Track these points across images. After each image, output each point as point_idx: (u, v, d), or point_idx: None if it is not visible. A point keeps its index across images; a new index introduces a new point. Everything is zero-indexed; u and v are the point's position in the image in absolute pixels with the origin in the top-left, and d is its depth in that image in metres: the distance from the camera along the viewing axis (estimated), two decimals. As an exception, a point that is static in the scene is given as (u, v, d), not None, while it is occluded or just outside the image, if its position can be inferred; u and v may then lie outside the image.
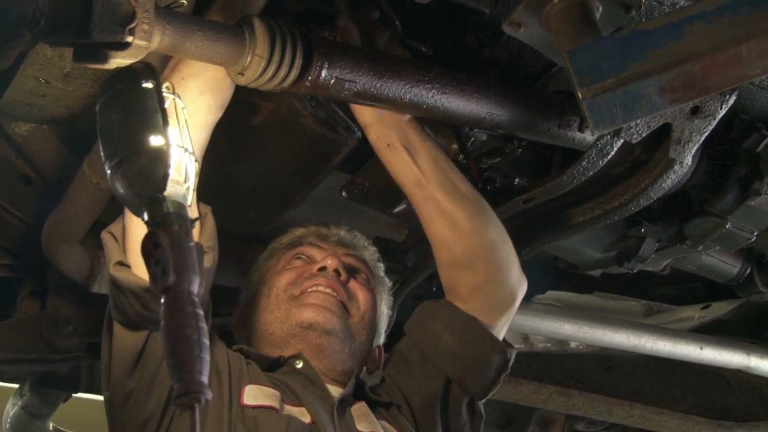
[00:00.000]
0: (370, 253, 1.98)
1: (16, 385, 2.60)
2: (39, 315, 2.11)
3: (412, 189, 1.73)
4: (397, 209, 2.01)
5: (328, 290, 1.80)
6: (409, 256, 2.22)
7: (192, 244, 1.08)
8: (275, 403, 1.58)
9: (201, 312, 1.05)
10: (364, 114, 1.68)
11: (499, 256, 1.74)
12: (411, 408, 1.75)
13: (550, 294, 2.68)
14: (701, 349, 2.84)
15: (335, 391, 1.73)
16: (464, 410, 1.76)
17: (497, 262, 1.74)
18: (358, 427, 1.65)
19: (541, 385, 3.07)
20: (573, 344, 3.04)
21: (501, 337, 1.79)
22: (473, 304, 1.74)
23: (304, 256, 1.90)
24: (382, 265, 2.01)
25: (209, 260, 1.62)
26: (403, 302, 2.14)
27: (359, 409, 1.71)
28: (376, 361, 1.91)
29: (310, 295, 1.79)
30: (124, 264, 1.53)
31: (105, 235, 1.58)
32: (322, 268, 1.83)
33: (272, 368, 1.73)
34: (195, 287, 1.05)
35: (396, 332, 1.97)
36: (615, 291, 2.84)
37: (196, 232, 1.65)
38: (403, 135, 1.67)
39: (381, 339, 1.96)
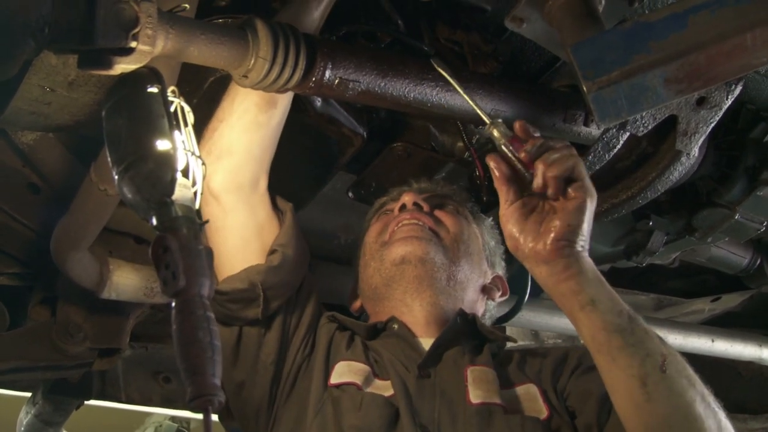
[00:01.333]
0: (458, 194, 1.94)
1: (29, 394, 2.61)
2: (49, 323, 2.11)
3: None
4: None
5: (413, 220, 1.78)
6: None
7: (201, 247, 1.08)
8: (359, 380, 1.57)
9: (212, 315, 1.06)
10: (526, 261, 1.47)
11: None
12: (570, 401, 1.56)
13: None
14: (713, 341, 2.83)
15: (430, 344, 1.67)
16: None
17: None
18: (471, 395, 1.51)
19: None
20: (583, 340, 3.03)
21: None
22: None
23: (388, 211, 1.89)
24: (476, 205, 1.96)
25: (276, 259, 1.69)
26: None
27: (483, 373, 1.57)
28: (499, 288, 1.88)
29: (396, 232, 1.79)
30: None
31: None
32: (402, 207, 1.83)
33: (374, 336, 1.74)
34: (205, 290, 1.06)
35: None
36: (624, 285, 2.83)
37: (274, 228, 1.73)
38: (565, 290, 1.41)
39: (498, 268, 1.93)
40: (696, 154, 1.82)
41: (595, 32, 1.34)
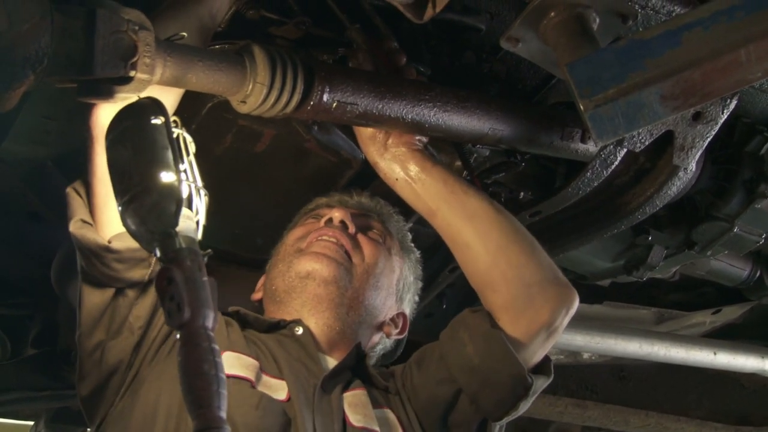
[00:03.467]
0: (395, 219, 1.93)
1: (32, 423, 2.60)
2: (51, 351, 2.11)
3: (426, 218, 1.71)
4: (408, 225, 2.01)
5: (332, 239, 1.76)
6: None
7: (205, 279, 1.08)
8: (251, 375, 1.54)
9: (217, 347, 1.05)
10: (370, 152, 1.68)
11: (519, 271, 1.64)
12: (415, 404, 1.69)
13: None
14: (715, 354, 2.82)
15: (332, 363, 1.69)
16: (473, 428, 1.68)
17: (520, 278, 1.64)
18: (350, 418, 1.59)
19: (555, 398, 3.06)
20: (586, 355, 3.03)
21: (537, 358, 1.68)
22: (504, 322, 1.65)
23: (317, 215, 1.87)
24: (409, 234, 1.96)
25: None
26: (413, 321, 2.12)
27: (357, 396, 1.65)
28: (398, 326, 1.87)
29: (312, 244, 1.77)
30: (86, 222, 1.49)
31: (69, 191, 1.54)
32: (329, 221, 1.81)
33: (270, 331, 1.71)
34: (210, 322, 1.05)
35: (408, 351, 1.95)
36: (625, 300, 2.83)
37: None
38: (407, 168, 1.65)
39: (405, 306, 1.91)
40: (693, 169, 1.83)
41: (591, 50, 1.35)
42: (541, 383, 1.68)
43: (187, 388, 1.00)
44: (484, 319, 1.68)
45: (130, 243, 1.44)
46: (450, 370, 1.67)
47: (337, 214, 1.80)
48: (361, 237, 1.81)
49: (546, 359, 1.72)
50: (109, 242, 1.47)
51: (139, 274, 1.52)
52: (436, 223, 1.69)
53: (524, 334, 1.64)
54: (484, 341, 1.65)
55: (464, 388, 1.66)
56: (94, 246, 1.47)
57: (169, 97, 1.39)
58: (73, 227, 1.49)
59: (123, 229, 1.39)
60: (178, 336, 1.03)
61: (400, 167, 1.65)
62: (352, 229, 1.80)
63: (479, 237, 1.65)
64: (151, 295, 1.56)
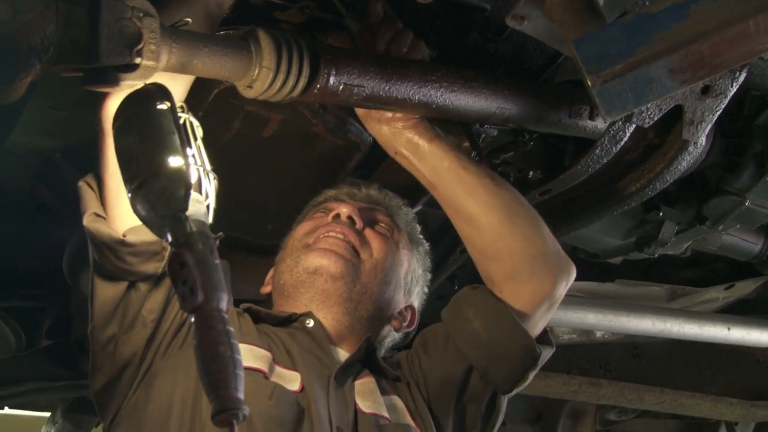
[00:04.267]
0: (403, 212, 1.94)
1: (48, 414, 2.63)
2: (65, 341, 2.12)
3: (429, 190, 1.73)
4: (417, 207, 2.01)
5: (339, 235, 1.78)
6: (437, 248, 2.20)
7: (217, 261, 1.08)
8: (264, 366, 1.56)
9: (231, 329, 1.05)
10: (370, 124, 1.68)
11: (523, 243, 1.67)
12: (427, 387, 1.72)
13: (572, 285, 2.67)
14: (728, 329, 2.82)
15: (343, 355, 1.71)
16: (484, 403, 1.72)
17: (524, 250, 1.67)
18: (360, 405, 1.62)
19: (569, 377, 3.06)
20: (599, 334, 3.03)
21: (539, 328, 1.73)
22: (507, 293, 1.69)
23: (326, 209, 1.88)
24: (418, 226, 1.97)
25: None
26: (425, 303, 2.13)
27: (365, 384, 1.67)
28: (406, 319, 1.88)
29: (320, 240, 1.78)
30: (100, 215, 1.49)
31: (82, 185, 1.53)
32: (336, 216, 1.82)
33: (282, 324, 1.73)
34: (224, 304, 1.05)
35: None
36: (637, 277, 2.83)
37: None
38: (407, 141, 1.65)
39: (414, 299, 1.92)
40: (703, 143, 1.82)
41: (597, 26, 1.34)
42: (546, 353, 1.73)
43: (203, 370, 1.01)
44: (486, 294, 1.71)
45: (145, 236, 1.46)
46: (459, 348, 1.70)
47: (344, 210, 1.81)
48: (368, 232, 1.82)
49: (545, 331, 1.76)
50: (124, 236, 1.47)
51: (153, 267, 1.52)
52: (437, 196, 1.71)
53: (528, 304, 1.68)
54: (491, 315, 1.68)
55: (474, 363, 1.69)
56: (108, 240, 1.47)
57: (179, 86, 1.40)
58: (87, 221, 1.49)
59: (135, 223, 1.43)
60: (192, 319, 1.04)
61: (398, 141, 1.66)
62: (359, 224, 1.81)
63: (482, 210, 1.67)
64: (164, 288, 1.57)
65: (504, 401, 1.74)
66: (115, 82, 1.17)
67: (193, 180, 1.12)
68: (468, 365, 1.70)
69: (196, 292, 1.03)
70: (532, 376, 1.72)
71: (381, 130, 1.66)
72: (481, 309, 1.70)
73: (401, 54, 1.56)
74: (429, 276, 1.99)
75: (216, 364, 1.00)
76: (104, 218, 1.49)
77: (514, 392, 1.73)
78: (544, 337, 1.76)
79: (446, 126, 1.81)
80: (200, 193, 1.16)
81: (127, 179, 1.13)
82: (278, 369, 1.58)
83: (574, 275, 1.73)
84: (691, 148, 1.81)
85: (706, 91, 1.67)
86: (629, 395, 3.19)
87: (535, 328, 1.72)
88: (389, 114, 1.63)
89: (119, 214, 1.48)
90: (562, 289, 1.71)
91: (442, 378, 1.71)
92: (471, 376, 1.70)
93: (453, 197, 1.69)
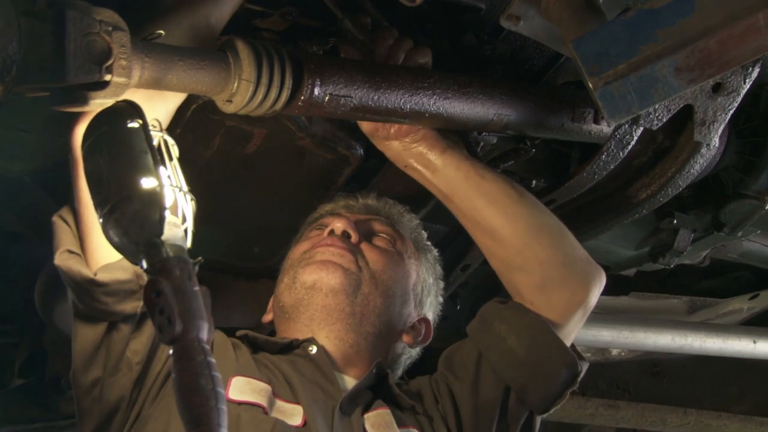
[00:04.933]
0: (406, 219, 1.95)
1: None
2: (40, 380, 2.12)
3: (444, 203, 1.73)
4: (420, 214, 2.01)
5: (332, 248, 1.78)
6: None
7: (197, 288, 1.09)
8: (263, 401, 1.55)
9: (213, 360, 1.05)
10: (378, 141, 1.69)
11: (552, 252, 1.69)
12: (460, 417, 1.71)
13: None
14: (755, 342, 2.82)
15: (350, 383, 1.71)
16: (519, 425, 1.72)
17: (553, 258, 1.69)
18: None
19: (585, 399, 3.06)
20: (614, 351, 3.04)
21: (572, 338, 1.75)
22: (539, 305, 1.70)
23: (322, 225, 1.89)
24: (423, 232, 1.98)
25: None
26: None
27: (380, 416, 1.65)
28: (420, 333, 1.87)
29: (316, 254, 1.78)
30: (73, 252, 1.49)
31: (55, 219, 1.53)
32: (331, 232, 1.82)
33: (283, 352, 1.72)
34: (204, 334, 1.05)
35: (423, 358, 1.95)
36: (653, 289, 2.83)
37: None
38: (418, 154, 1.67)
39: (427, 310, 1.92)
40: (717, 144, 1.83)
41: (597, 24, 1.35)
42: (585, 368, 1.73)
43: (183, 405, 1.01)
44: (518, 308, 1.72)
45: (119, 274, 1.47)
46: (494, 369, 1.70)
47: (339, 225, 1.82)
48: (365, 246, 1.83)
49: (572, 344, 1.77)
50: (95, 274, 1.46)
51: (131, 306, 1.52)
52: (453, 209, 1.73)
53: (561, 315, 1.69)
54: (526, 330, 1.69)
55: (511, 384, 1.69)
56: (79, 279, 1.46)
57: (167, 104, 1.41)
58: (59, 259, 1.48)
59: (114, 257, 1.45)
60: (170, 351, 1.04)
61: (408, 155, 1.67)
62: (355, 238, 1.82)
63: (505, 220, 1.69)
64: (148, 328, 1.57)
65: (539, 421, 1.75)
66: (84, 101, 1.18)
67: (169, 202, 1.12)
68: (504, 386, 1.70)
69: (174, 322, 1.03)
70: (567, 394, 1.72)
71: (390, 146, 1.68)
72: (515, 324, 1.71)
73: (399, 60, 1.58)
74: (442, 284, 2.00)
75: (197, 398, 1.00)
76: (78, 255, 1.49)
77: (551, 411, 1.73)
78: (574, 351, 1.75)
79: (442, 134, 1.82)
80: (177, 215, 1.17)
81: (98, 203, 1.13)
82: (279, 403, 1.58)
83: (605, 281, 1.75)
84: (704, 150, 1.82)
85: (717, 89, 1.68)
86: (650, 417, 3.19)
87: (568, 340, 1.73)
88: (395, 128, 1.64)
89: (96, 248, 1.48)
90: (595, 296, 1.73)
91: (479, 405, 1.70)
92: (509, 398, 1.70)
93: (472, 208, 1.70)
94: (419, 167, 1.68)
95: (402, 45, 1.60)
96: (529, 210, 1.71)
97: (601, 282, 1.74)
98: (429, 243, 1.99)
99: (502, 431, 1.71)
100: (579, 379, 1.71)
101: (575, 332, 1.75)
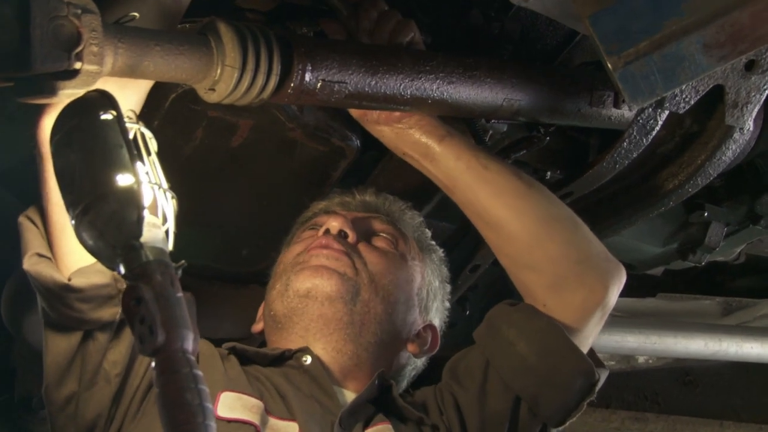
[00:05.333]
0: (408, 216, 1.96)
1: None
2: (9, 399, 2.12)
3: (447, 194, 1.74)
4: (424, 211, 2.01)
5: (327, 250, 1.78)
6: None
7: (180, 294, 1.08)
8: (255, 419, 1.56)
9: (199, 372, 1.05)
10: (370, 126, 1.70)
11: (565, 248, 1.69)
12: (466, 427, 1.71)
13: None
14: (797, 347, 2.83)
15: (350, 396, 1.71)
16: None
17: (566, 255, 1.69)
18: None
19: (610, 412, 3.07)
20: (641, 359, 3.04)
21: (590, 343, 1.74)
22: (552, 307, 1.69)
23: (316, 225, 1.89)
24: (427, 231, 1.99)
25: None
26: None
27: (381, 431, 1.66)
28: (426, 342, 1.88)
29: (310, 257, 1.79)
30: (43, 256, 1.49)
31: (22, 220, 1.52)
32: (326, 232, 1.83)
33: (275, 364, 1.73)
34: (189, 344, 1.05)
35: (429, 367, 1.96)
36: (683, 290, 2.83)
37: None
38: (414, 142, 1.67)
39: (433, 316, 1.92)
40: (751, 128, 1.83)
41: (616, -2, 1.35)
42: (603, 377, 1.72)
43: (168, 422, 1.01)
44: (529, 310, 1.71)
45: (95, 278, 1.47)
46: (502, 378, 1.70)
47: (334, 224, 1.82)
48: (363, 246, 1.83)
49: (591, 349, 1.76)
50: (69, 279, 1.47)
51: (109, 313, 1.53)
52: (457, 200, 1.73)
53: (577, 318, 1.69)
54: (538, 335, 1.69)
55: (521, 394, 1.69)
56: (52, 285, 1.47)
57: (133, 94, 1.40)
58: (28, 264, 1.48)
59: (87, 261, 1.45)
60: (153, 364, 1.04)
61: (404, 142, 1.68)
62: (352, 238, 1.83)
63: (513, 214, 1.69)
64: (127, 337, 1.57)
65: None
66: (52, 92, 1.18)
67: (148, 201, 1.13)
68: (514, 396, 1.69)
69: (156, 332, 1.03)
70: (584, 405, 1.71)
71: (383, 132, 1.68)
72: (526, 328, 1.70)
73: (385, 37, 1.58)
74: (448, 287, 2.00)
75: (182, 414, 1.00)
76: (48, 258, 1.49)
77: (566, 424, 1.72)
78: (593, 357, 1.75)
79: (447, 122, 1.83)
80: (157, 215, 1.17)
81: (70, 204, 1.13)
82: (272, 420, 1.58)
83: (624, 278, 1.74)
84: (736, 135, 1.82)
85: (750, 67, 1.69)
86: (682, 431, 3.19)
87: (585, 345, 1.73)
88: (388, 112, 1.64)
89: (67, 253, 1.48)
90: (614, 296, 1.72)
91: (487, 417, 1.70)
92: (520, 409, 1.70)
93: (475, 201, 1.70)
94: (416, 156, 1.69)
95: (388, 17, 1.60)
96: (539, 202, 1.71)
97: (620, 279, 1.73)
98: (434, 242, 1.99)
99: None
100: (597, 388, 1.70)
101: (593, 336, 1.75)
